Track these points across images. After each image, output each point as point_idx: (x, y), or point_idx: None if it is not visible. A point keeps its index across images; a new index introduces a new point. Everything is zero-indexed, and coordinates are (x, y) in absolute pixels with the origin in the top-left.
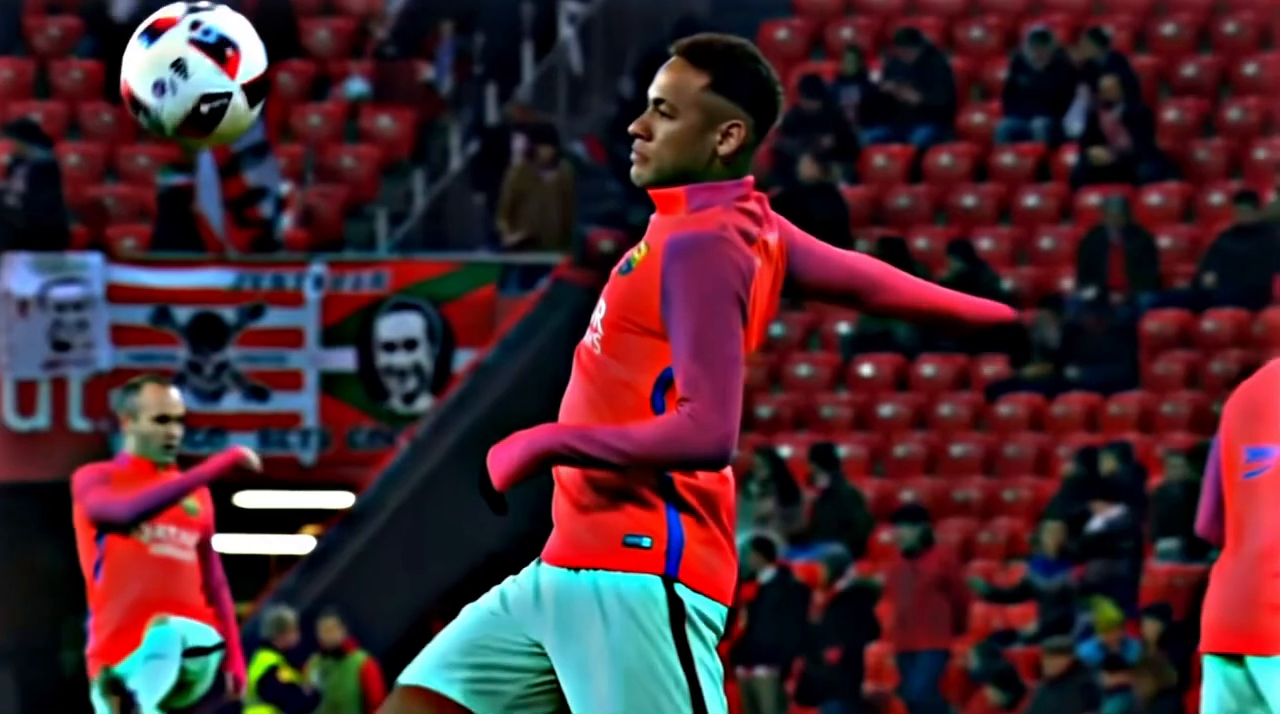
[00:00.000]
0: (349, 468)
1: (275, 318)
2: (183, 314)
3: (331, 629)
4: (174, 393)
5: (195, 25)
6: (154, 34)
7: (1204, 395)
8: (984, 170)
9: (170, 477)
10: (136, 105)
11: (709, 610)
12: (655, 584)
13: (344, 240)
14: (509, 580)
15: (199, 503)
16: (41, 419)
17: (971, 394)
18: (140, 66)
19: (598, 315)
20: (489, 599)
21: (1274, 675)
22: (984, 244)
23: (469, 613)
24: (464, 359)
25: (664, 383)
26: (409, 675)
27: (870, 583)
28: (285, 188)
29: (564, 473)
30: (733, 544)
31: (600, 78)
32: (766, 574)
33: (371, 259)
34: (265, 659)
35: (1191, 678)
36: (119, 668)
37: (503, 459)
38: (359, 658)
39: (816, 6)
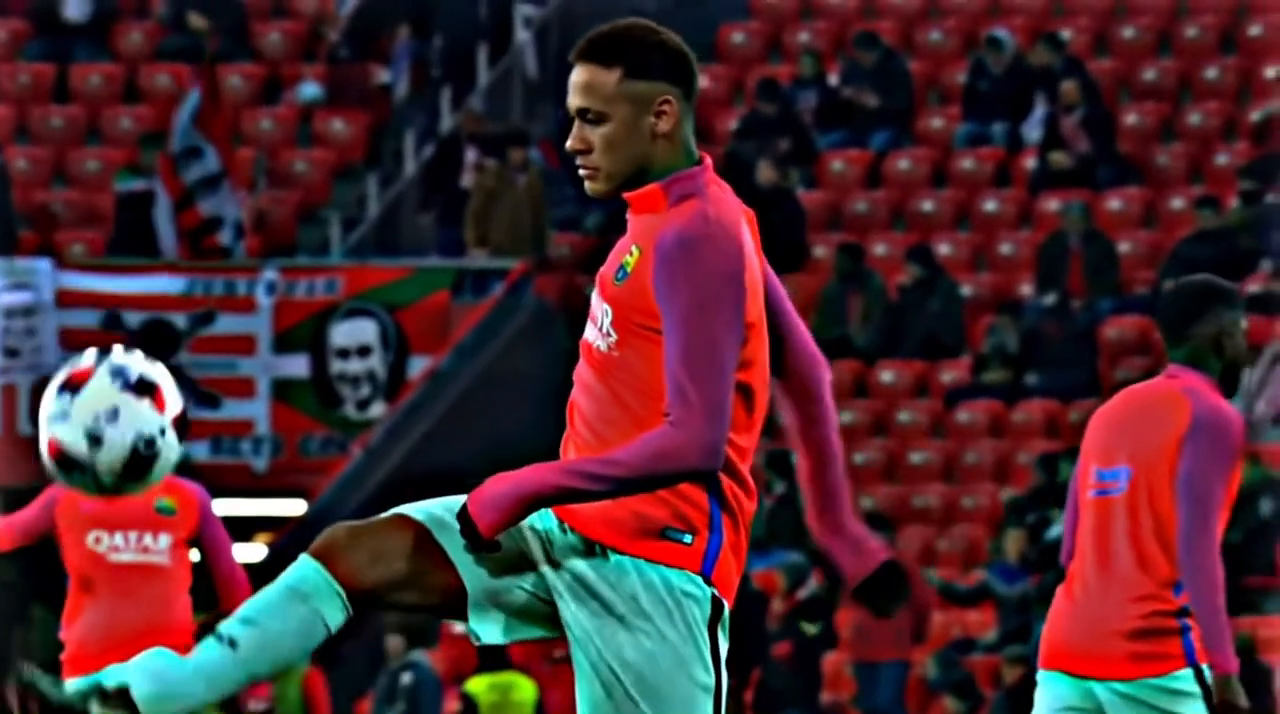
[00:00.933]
0: (302, 475)
1: (227, 324)
2: (133, 319)
3: None
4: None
5: (115, 371)
6: (75, 387)
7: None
8: (943, 175)
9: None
10: (69, 462)
11: (727, 615)
12: (699, 582)
13: (296, 246)
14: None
15: (174, 501)
16: None
17: (930, 401)
18: (69, 420)
19: (605, 319)
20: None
21: (1122, 701)
22: (943, 249)
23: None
24: (418, 366)
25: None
26: (412, 511)
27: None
28: (241, 213)
29: (581, 441)
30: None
31: (555, 82)
32: None
33: (324, 265)
34: None
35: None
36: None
37: (489, 507)
38: (302, 667)
39: (774, 9)
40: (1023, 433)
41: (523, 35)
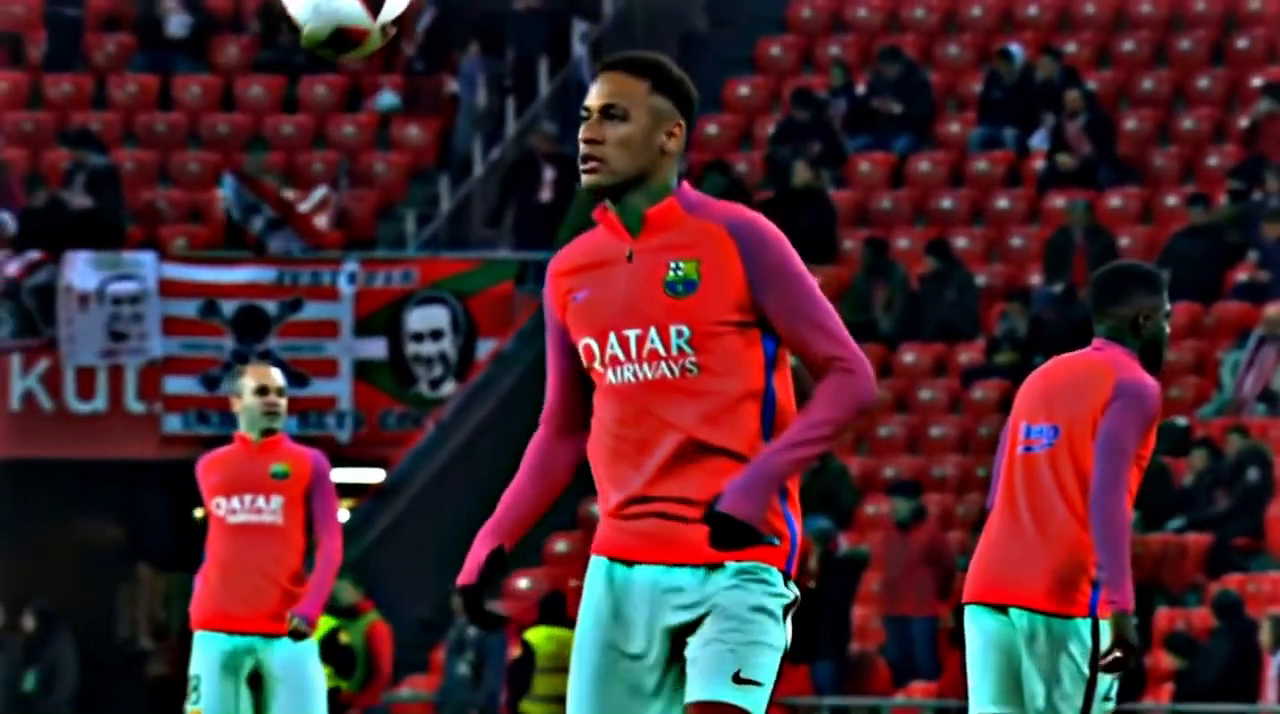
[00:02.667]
0: (380, 447)
1: (313, 311)
2: (228, 307)
3: (346, 590)
4: (273, 370)
5: None
6: None
7: (1159, 380)
8: (959, 176)
9: (262, 483)
10: (287, 21)
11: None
12: (784, 578)
13: (376, 240)
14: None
15: (289, 465)
16: (100, 402)
17: (948, 380)
18: None
19: (677, 340)
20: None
21: (1031, 627)
22: (960, 243)
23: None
24: (485, 348)
25: (770, 363)
26: None
27: (858, 553)
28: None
29: (677, 466)
30: None
31: None
32: None
33: (401, 257)
34: (326, 623)
35: (1152, 639)
36: (198, 636)
37: (744, 501)
38: (370, 617)
39: (808, 24)
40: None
41: (579, 49)
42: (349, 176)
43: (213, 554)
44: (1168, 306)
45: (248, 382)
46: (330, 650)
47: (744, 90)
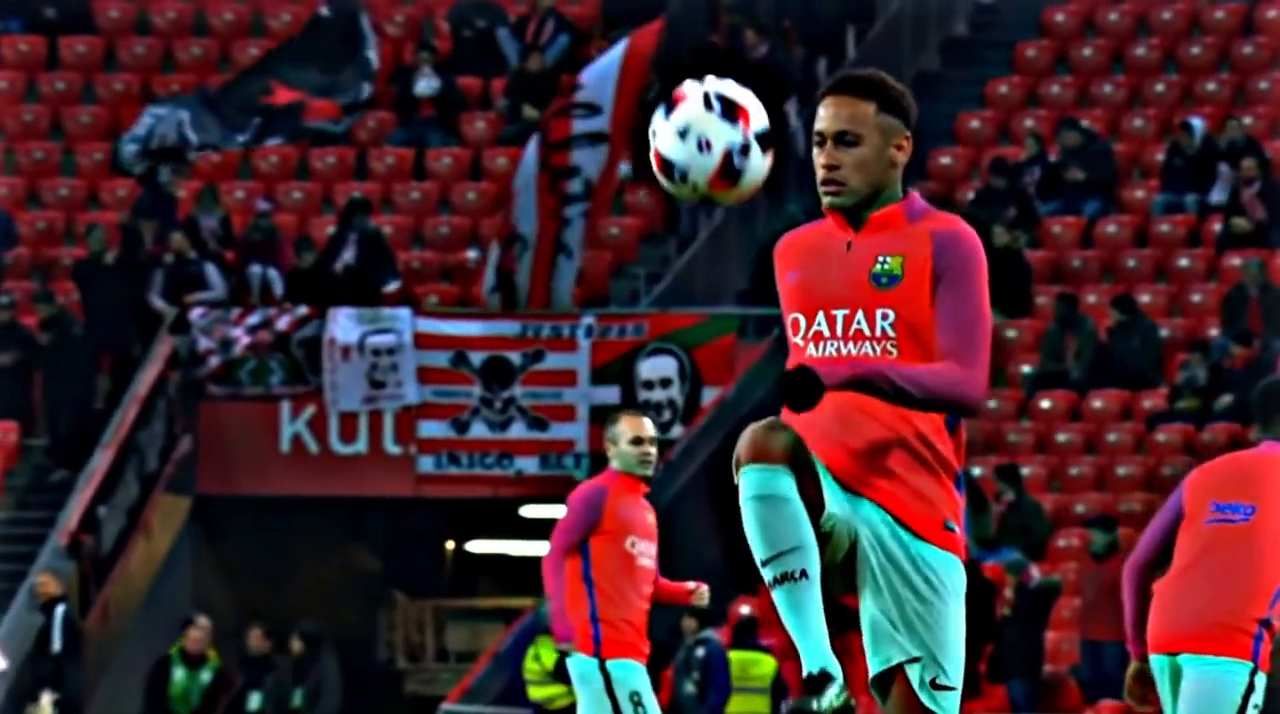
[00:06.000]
0: None
1: (553, 361)
2: (477, 358)
3: None
4: (645, 420)
5: (707, 94)
6: (671, 106)
7: None
8: (1144, 237)
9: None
10: (669, 168)
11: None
12: (959, 565)
13: (610, 296)
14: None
15: (652, 515)
16: (361, 445)
17: (1134, 424)
18: (667, 133)
19: (883, 323)
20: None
21: (1189, 670)
22: (1144, 298)
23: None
24: (709, 395)
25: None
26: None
27: (1051, 582)
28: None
29: (879, 449)
30: None
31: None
32: None
33: (633, 312)
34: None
35: None
36: (616, 665)
37: (830, 372)
38: None
39: (1004, 99)
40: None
41: (796, 123)
42: (586, 241)
43: (606, 587)
44: None
45: (624, 430)
46: (563, 670)
47: (945, 160)
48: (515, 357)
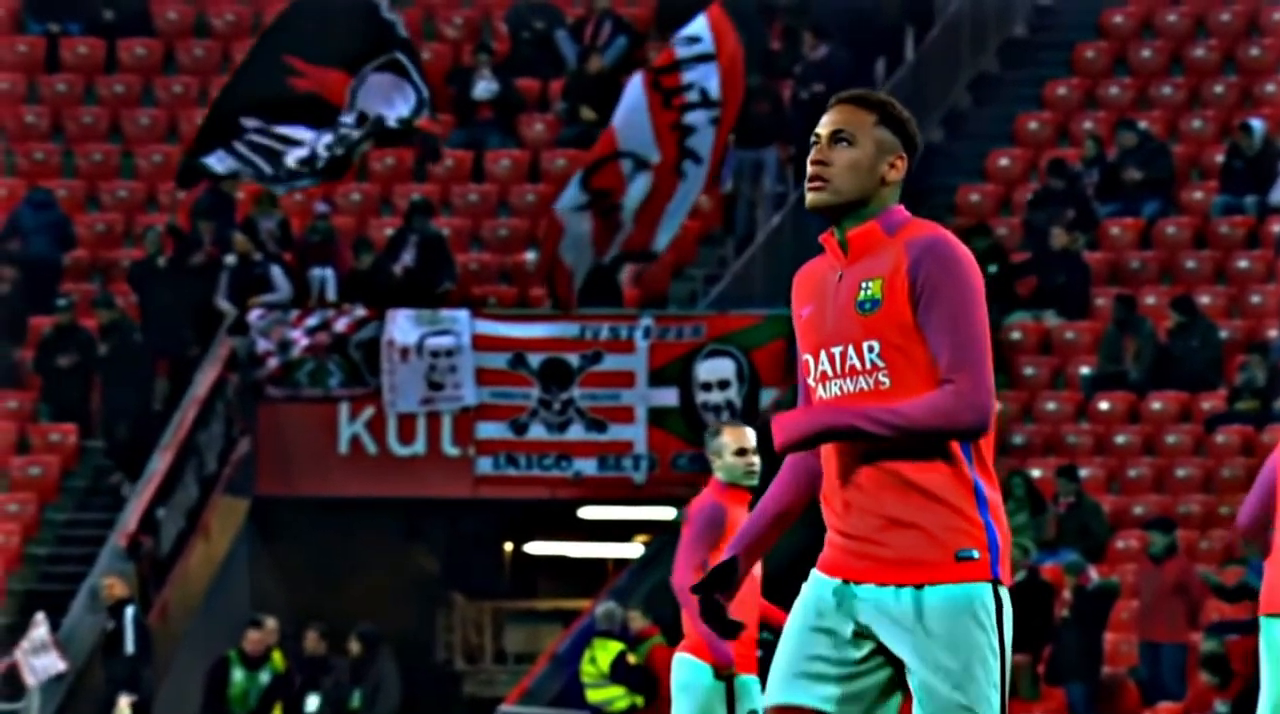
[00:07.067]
0: (673, 487)
1: (611, 362)
2: (535, 360)
3: (636, 618)
4: (747, 431)
5: None
6: None
7: None
8: (1203, 239)
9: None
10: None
11: (1008, 598)
12: (988, 591)
13: (668, 298)
14: (813, 602)
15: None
16: (419, 446)
17: (1193, 426)
18: None
19: (868, 355)
20: (805, 617)
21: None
22: (1203, 300)
23: (794, 631)
24: (767, 396)
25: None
26: (772, 697)
27: (1110, 584)
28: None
29: (869, 489)
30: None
31: None
32: (1019, 575)
33: (691, 314)
34: (614, 647)
35: None
36: (741, 681)
37: (790, 427)
38: (654, 641)
39: (1062, 101)
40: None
41: None
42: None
43: (742, 602)
44: None
45: (727, 442)
46: (619, 671)
47: (1004, 162)
48: (574, 358)
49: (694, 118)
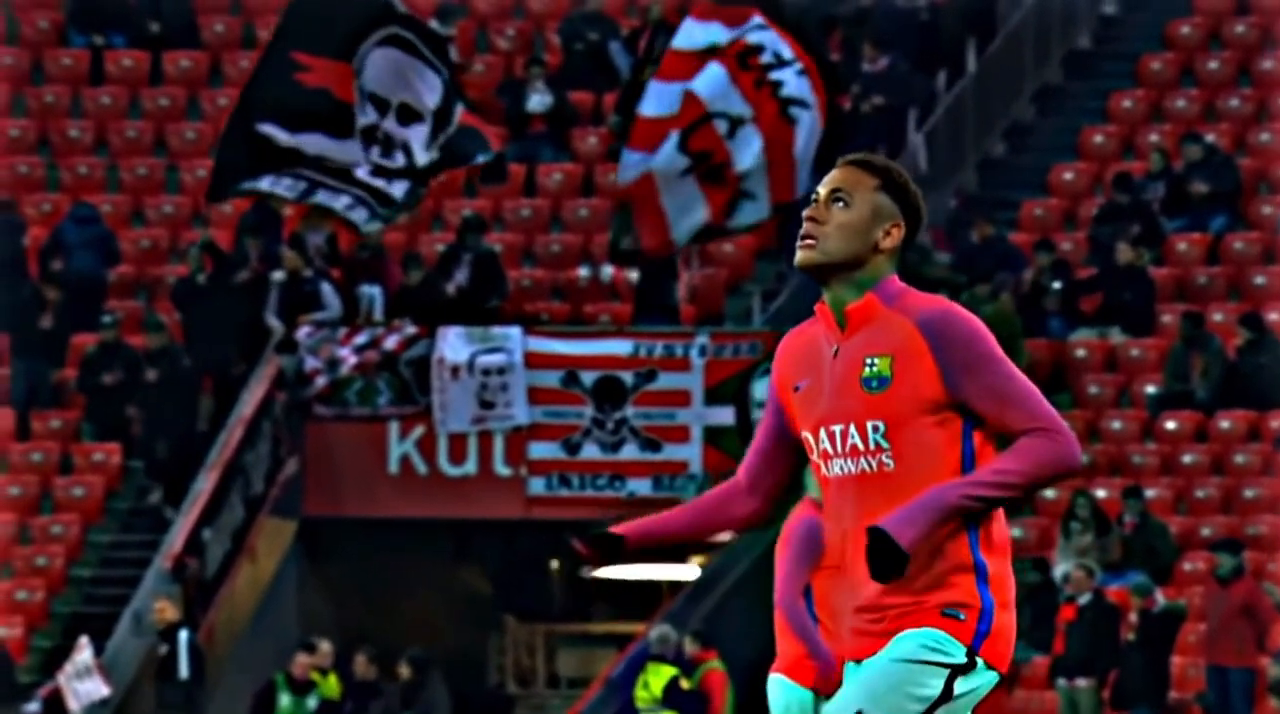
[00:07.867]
0: None
1: (666, 381)
2: (588, 377)
3: (689, 643)
4: None
5: None
6: None
7: None
8: (1272, 254)
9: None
10: None
11: (986, 682)
12: (960, 650)
13: (724, 315)
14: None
15: None
16: (470, 466)
17: (1261, 445)
18: None
19: (874, 435)
20: None
21: None
22: (1272, 317)
23: None
24: None
25: (969, 458)
26: None
27: (1176, 606)
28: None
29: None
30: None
31: (943, 176)
32: (1084, 598)
33: (747, 331)
34: (667, 671)
35: None
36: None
37: (909, 530)
38: (708, 665)
39: (1128, 114)
40: None
41: (915, 138)
42: (700, 257)
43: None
44: None
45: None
46: (673, 697)
47: (1068, 176)
48: (628, 376)
49: (779, 74)
